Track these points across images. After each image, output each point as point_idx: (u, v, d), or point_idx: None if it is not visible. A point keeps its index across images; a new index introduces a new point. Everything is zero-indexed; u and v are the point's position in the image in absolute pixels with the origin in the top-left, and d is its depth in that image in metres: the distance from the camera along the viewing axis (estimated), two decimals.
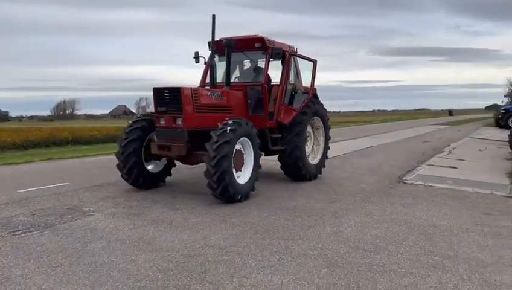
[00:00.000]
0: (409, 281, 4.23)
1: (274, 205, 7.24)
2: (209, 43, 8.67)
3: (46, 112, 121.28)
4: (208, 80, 8.93)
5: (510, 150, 15.23)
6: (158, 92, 7.59)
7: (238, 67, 9.57)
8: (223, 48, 8.55)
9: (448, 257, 4.93)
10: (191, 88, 7.63)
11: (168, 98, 7.50)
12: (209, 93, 8.02)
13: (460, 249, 5.23)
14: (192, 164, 8.52)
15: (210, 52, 8.57)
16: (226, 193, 7.07)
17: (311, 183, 9.34)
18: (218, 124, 7.33)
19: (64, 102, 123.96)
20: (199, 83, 9.42)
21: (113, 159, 13.49)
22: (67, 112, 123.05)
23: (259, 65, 9.25)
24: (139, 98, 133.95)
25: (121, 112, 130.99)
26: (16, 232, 5.59)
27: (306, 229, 5.94)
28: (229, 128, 7.19)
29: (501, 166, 12.64)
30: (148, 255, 4.79)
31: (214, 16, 8.27)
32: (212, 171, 6.92)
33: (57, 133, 24.63)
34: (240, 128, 7.32)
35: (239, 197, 7.27)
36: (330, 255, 4.92)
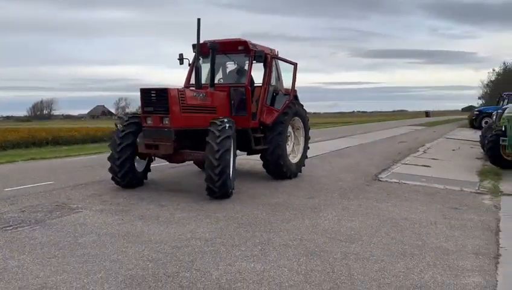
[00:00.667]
0: (379, 266, 4.63)
1: (256, 201, 7.58)
2: (193, 45, 8.97)
3: (22, 112, 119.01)
4: (192, 81, 9.29)
5: (482, 150, 15.90)
6: (145, 92, 7.83)
7: (221, 69, 9.88)
8: (207, 50, 8.86)
9: (417, 246, 5.36)
10: (177, 89, 7.91)
11: (155, 98, 7.74)
12: (194, 94, 8.32)
13: (428, 239, 5.67)
14: (177, 162, 8.83)
15: (195, 54, 8.85)
16: (224, 186, 7.42)
17: (291, 181, 9.71)
18: (214, 120, 7.68)
19: (41, 102, 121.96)
20: (183, 84, 9.69)
21: (95, 159, 13.80)
22: (45, 112, 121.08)
23: (241, 67, 9.59)
24: (118, 99, 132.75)
25: (100, 113, 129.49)
26: (8, 228, 5.79)
27: (286, 222, 6.30)
28: (227, 125, 7.58)
29: (472, 165, 13.28)
30: (138, 247, 5.07)
31: (199, 20, 8.52)
32: (216, 163, 7.23)
33: (36, 134, 24.51)
34: (233, 126, 7.79)
35: (230, 192, 7.66)
36: (308, 245, 5.29)
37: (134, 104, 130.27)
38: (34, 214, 6.48)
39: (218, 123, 7.62)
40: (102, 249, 5.00)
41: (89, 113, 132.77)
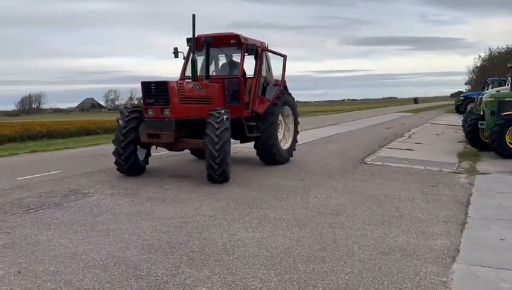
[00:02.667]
0: (361, 233, 5.38)
1: (252, 184, 8.29)
2: (188, 39, 9.58)
3: (10, 107, 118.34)
4: (187, 74, 9.91)
5: (464, 134, 16.73)
6: (146, 85, 8.39)
7: (214, 62, 10.44)
8: (201, 44, 9.41)
9: (394, 217, 6.12)
10: (176, 82, 8.52)
11: (155, 91, 8.30)
12: (192, 86, 8.89)
13: (405, 211, 6.44)
14: (177, 150, 9.50)
15: (191, 48, 9.36)
16: (224, 173, 8.07)
17: (283, 166, 10.43)
18: (212, 112, 8.23)
19: (29, 96, 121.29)
20: (179, 76, 10.27)
21: (95, 150, 14.41)
22: (33, 106, 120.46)
23: (233, 60, 10.15)
24: (107, 91, 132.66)
25: (89, 106, 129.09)
26: (30, 210, 6.44)
27: (280, 200, 7.03)
28: (225, 116, 8.16)
29: (453, 148, 14.10)
30: (150, 223, 5.77)
31: (194, 16, 9.09)
32: (216, 154, 7.82)
33: (31, 128, 24.97)
34: (229, 117, 8.36)
35: (228, 176, 8.30)
36: (300, 218, 6.03)
37: (124, 96, 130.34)
38: (51, 199, 7.13)
39: (217, 115, 8.15)
40: (119, 225, 5.69)
41: (78, 106, 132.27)
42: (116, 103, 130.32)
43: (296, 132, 11.36)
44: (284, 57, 10.88)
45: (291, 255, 4.62)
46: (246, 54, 9.82)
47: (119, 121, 8.70)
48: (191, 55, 9.29)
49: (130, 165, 8.67)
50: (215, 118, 8.11)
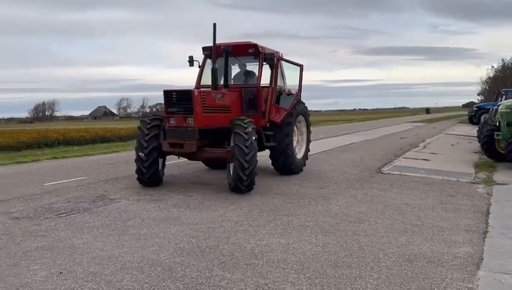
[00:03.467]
0: (385, 240, 5.51)
1: (273, 192, 8.46)
2: (203, 48, 9.82)
3: (23, 114, 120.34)
4: (203, 82, 9.99)
5: (479, 145, 16.73)
6: (169, 94, 8.33)
7: (225, 70, 10.32)
8: (218, 53, 9.31)
9: (416, 225, 6.24)
10: (199, 90, 8.59)
11: (178, 99, 8.25)
12: (213, 94, 8.86)
13: (426, 220, 6.55)
14: (198, 160, 9.58)
15: (212, 56, 9.27)
16: (251, 184, 8.11)
17: (302, 174, 10.58)
18: (238, 122, 8.18)
19: (43, 104, 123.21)
20: (195, 84, 10.18)
21: (114, 157, 14.70)
22: (47, 113, 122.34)
23: (248, 69, 10.19)
24: (120, 99, 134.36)
25: (102, 113, 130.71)
26: (61, 215, 6.68)
27: (302, 207, 7.19)
28: (252, 126, 8.17)
29: (469, 158, 14.13)
30: (179, 228, 5.97)
31: (215, 24, 9.05)
32: (246, 165, 7.80)
33: (48, 134, 25.42)
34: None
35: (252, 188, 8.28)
36: (323, 225, 6.18)
37: (136, 104, 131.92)
38: (80, 204, 7.37)
39: (244, 125, 8.07)
40: (149, 229, 5.89)
41: (91, 114, 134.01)
42: (128, 110, 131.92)
43: (308, 141, 11.43)
44: (301, 66, 10.90)
45: (318, 261, 4.78)
46: (264, 63, 9.78)
47: (143, 129, 8.58)
48: (212, 64, 9.22)
49: (152, 173, 8.59)
50: (243, 128, 8.05)
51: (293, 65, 10.93)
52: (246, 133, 7.97)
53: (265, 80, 10.08)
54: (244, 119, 8.36)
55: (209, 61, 9.83)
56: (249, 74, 10.12)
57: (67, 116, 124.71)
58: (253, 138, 8.06)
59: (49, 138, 24.50)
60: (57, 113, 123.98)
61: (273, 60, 9.77)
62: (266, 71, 10.09)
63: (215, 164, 10.90)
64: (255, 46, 9.73)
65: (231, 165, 8.29)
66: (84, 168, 11.82)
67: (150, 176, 8.61)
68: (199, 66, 10.10)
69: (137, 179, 8.78)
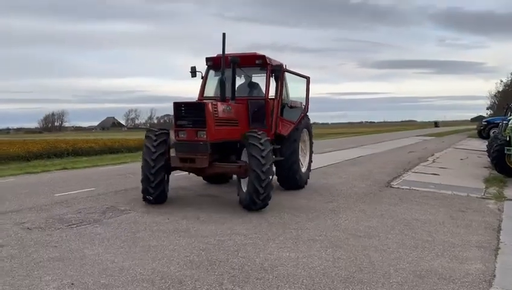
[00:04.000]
0: (395, 256, 5.48)
1: (281, 206, 8.44)
2: (207, 58, 9.53)
3: (33, 124, 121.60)
4: (206, 94, 9.69)
5: (489, 159, 16.61)
6: (179, 106, 8.02)
7: (232, 81, 9.65)
8: (220, 63, 8.86)
9: (427, 241, 6.20)
10: (211, 103, 8.13)
11: (189, 112, 7.93)
12: (223, 107, 8.52)
13: (436, 235, 6.50)
14: (209, 175, 9.15)
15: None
16: (268, 198, 7.76)
17: (310, 187, 10.56)
18: (252, 134, 7.88)
19: (53, 114, 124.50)
20: (197, 96, 9.74)
21: (122, 169, 14.78)
22: (56, 124, 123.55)
23: (252, 80, 9.85)
24: (128, 110, 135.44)
25: (110, 124, 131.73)
26: (72, 226, 6.73)
27: (311, 221, 7.18)
28: (266, 138, 7.90)
29: (479, 173, 14.02)
30: (188, 240, 5.98)
31: (224, 34, 8.55)
32: (263, 177, 7.46)
33: (57, 145, 25.64)
34: None
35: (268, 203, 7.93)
36: (333, 240, 6.16)
37: (144, 115, 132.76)
38: (90, 215, 7.42)
39: (259, 137, 7.79)
40: (159, 241, 5.91)
41: (99, 124, 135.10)
42: (136, 122, 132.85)
43: (311, 152, 11.20)
44: (307, 78, 10.43)
45: (329, 276, 4.76)
46: (272, 74, 9.50)
47: (149, 146, 8.07)
48: (220, 75, 8.84)
49: (159, 193, 8.17)
50: (257, 139, 7.76)
51: (298, 77, 10.50)
52: (261, 144, 7.69)
53: (261, 93, 9.67)
54: (257, 131, 8.06)
55: (212, 72, 9.66)
56: (253, 85, 9.81)
57: (76, 127, 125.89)
58: (269, 148, 7.82)
59: (59, 149, 24.69)
60: (66, 124, 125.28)
61: (280, 71, 9.56)
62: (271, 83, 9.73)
63: (216, 178, 10.59)
64: (263, 57, 9.41)
65: (243, 181, 8.07)
66: (94, 179, 11.91)
67: (157, 196, 8.21)
68: (202, 77, 9.72)
69: (143, 199, 8.36)
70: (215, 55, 9.27)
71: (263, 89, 9.54)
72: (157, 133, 8.28)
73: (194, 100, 9.09)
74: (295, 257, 5.37)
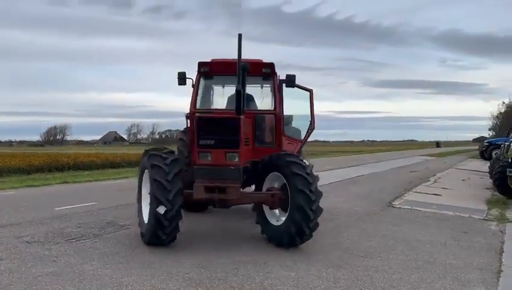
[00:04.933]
0: (397, 277, 5.43)
1: None
2: (200, 64, 7.90)
3: (35, 137, 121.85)
4: (198, 106, 8.01)
5: (491, 181, 16.56)
6: (205, 122, 6.54)
7: (212, 92, 8.64)
8: (217, 69, 7.94)
9: (429, 262, 6.14)
10: (241, 118, 6.61)
11: (218, 129, 6.41)
12: (245, 123, 6.95)
13: (439, 257, 6.44)
14: (231, 206, 7.10)
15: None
16: (308, 239, 6.64)
17: None
18: (291, 158, 6.58)
19: (55, 127, 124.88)
20: (190, 108, 7.96)
21: (124, 184, 14.73)
22: (58, 137, 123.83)
23: (248, 92, 7.81)
24: (130, 125, 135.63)
25: (112, 138, 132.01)
26: (72, 240, 6.69)
27: (311, 240, 7.11)
28: (310, 165, 6.66)
29: (481, 194, 13.96)
30: (187, 256, 5.94)
31: (240, 35, 6.85)
32: (312, 216, 6.34)
33: (58, 158, 25.66)
34: None
35: None
36: (333, 259, 6.10)
37: (146, 130, 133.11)
38: (90, 230, 7.39)
39: (303, 164, 6.51)
40: (159, 257, 5.86)
41: (101, 139, 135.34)
42: (138, 136, 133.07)
43: None
44: (310, 91, 8.67)
45: None
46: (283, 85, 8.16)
47: (158, 164, 6.25)
48: (237, 84, 6.71)
49: (173, 229, 6.26)
50: (302, 168, 6.45)
51: (301, 90, 8.69)
52: (308, 174, 6.39)
53: (263, 106, 8.35)
54: (295, 155, 6.89)
55: (204, 81, 8.16)
56: (250, 98, 8.22)
57: (78, 141, 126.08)
58: (317, 179, 6.60)
59: (60, 162, 24.70)
60: (68, 137, 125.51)
61: (294, 82, 8.06)
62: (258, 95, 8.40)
63: (194, 206, 8.51)
64: (271, 66, 7.99)
65: (271, 213, 6.90)
66: (95, 193, 11.89)
67: (170, 232, 6.23)
68: (193, 86, 8.03)
69: (147, 242, 6.36)
70: (209, 60, 8.02)
71: (257, 102, 8.32)
72: (166, 151, 6.67)
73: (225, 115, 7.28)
74: (295, 276, 5.32)
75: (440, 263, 6.10)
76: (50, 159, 25.25)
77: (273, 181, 6.87)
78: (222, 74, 8.14)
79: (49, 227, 7.51)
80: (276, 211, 6.88)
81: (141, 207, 6.83)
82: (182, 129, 8.87)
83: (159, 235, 6.18)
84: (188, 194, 6.47)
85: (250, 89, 8.16)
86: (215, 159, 6.41)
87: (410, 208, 10.72)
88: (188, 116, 8.09)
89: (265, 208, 6.94)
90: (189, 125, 8.09)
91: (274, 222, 6.81)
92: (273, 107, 8.07)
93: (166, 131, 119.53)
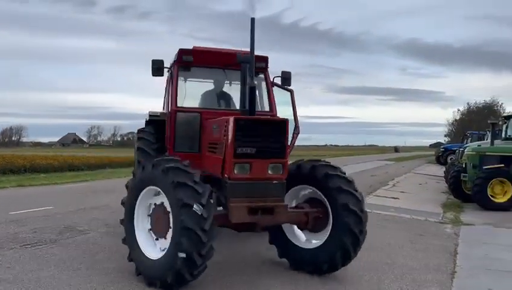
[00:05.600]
0: (355, 279, 5.55)
1: None
2: (182, 51, 6.51)
3: None
4: (181, 104, 6.51)
5: (446, 185, 17.22)
6: (245, 126, 5.08)
7: (184, 88, 6.75)
8: (200, 60, 6.57)
9: (387, 264, 6.32)
10: (288, 120, 5.47)
11: (263, 133, 5.13)
12: None
13: (396, 258, 6.64)
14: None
15: (250, 66, 5.52)
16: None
17: None
18: (333, 171, 5.66)
19: (10, 128, 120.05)
20: (171, 105, 6.49)
21: (83, 187, 14.34)
22: (13, 138, 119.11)
23: (224, 91, 7.09)
24: (90, 127, 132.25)
25: (71, 140, 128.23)
26: (27, 246, 6.45)
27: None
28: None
29: (437, 198, 14.50)
30: None
31: (253, 20, 5.54)
32: (361, 238, 5.60)
33: (14, 161, 24.66)
34: None
35: None
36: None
37: (107, 132, 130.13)
38: (46, 235, 7.14)
39: (349, 179, 5.70)
40: (120, 264, 5.72)
41: (59, 140, 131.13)
42: (99, 138, 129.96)
43: None
44: (291, 91, 7.27)
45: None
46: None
47: (186, 182, 4.73)
48: (249, 79, 5.40)
49: (205, 266, 4.82)
50: (350, 183, 5.63)
51: (280, 91, 7.34)
52: (356, 191, 5.60)
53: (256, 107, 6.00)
54: (333, 166, 5.86)
55: (186, 72, 6.68)
56: (224, 96, 7.08)
57: (35, 142, 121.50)
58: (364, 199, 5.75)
59: (15, 164, 23.72)
60: (25, 139, 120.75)
61: (290, 79, 7.06)
62: (236, 94, 6.73)
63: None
64: (266, 59, 6.84)
65: (295, 233, 5.92)
66: (52, 197, 11.52)
67: (201, 271, 4.82)
68: (170, 79, 6.77)
69: (162, 287, 4.78)
70: (191, 48, 6.65)
71: (236, 102, 6.87)
72: (186, 163, 5.04)
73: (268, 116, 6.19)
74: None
75: (398, 265, 6.29)
76: (5, 161, 24.18)
77: (295, 196, 5.91)
78: (205, 66, 6.71)
79: (3, 232, 7.21)
80: (300, 230, 5.84)
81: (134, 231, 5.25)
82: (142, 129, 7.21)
83: (185, 277, 4.69)
84: (221, 216, 5.05)
85: (236, 87, 6.76)
86: (256, 172, 5.09)
87: (369, 211, 10.87)
88: (157, 117, 6.85)
89: (286, 227, 5.87)
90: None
91: (302, 244, 5.79)
92: (269, 108, 6.70)
93: (128, 133, 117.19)
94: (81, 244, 6.67)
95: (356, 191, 5.56)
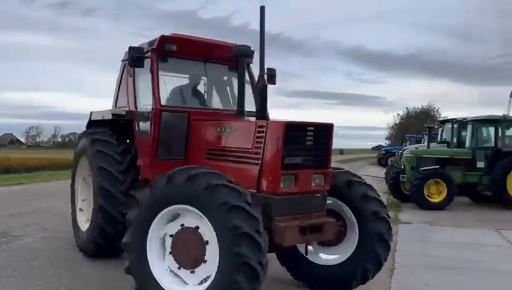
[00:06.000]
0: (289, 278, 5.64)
1: None
2: (164, 38, 5.58)
3: None
4: (164, 102, 5.56)
5: (386, 185, 17.92)
6: (295, 130, 4.51)
7: (165, 84, 5.78)
8: (182, 50, 5.64)
9: None
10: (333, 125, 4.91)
11: (307, 141, 4.60)
12: None
13: None
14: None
15: (260, 59, 4.99)
16: None
17: None
18: (356, 179, 5.21)
19: None
20: (127, 102, 5.99)
21: (21, 190, 13.55)
22: None
23: (196, 87, 6.24)
24: (28, 127, 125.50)
25: (8, 141, 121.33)
26: None
27: None
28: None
29: None
30: (92, 269, 5.61)
31: (263, 8, 4.96)
32: (390, 247, 5.23)
33: None
34: None
35: None
36: None
37: (46, 132, 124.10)
38: None
39: (371, 186, 5.31)
40: (58, 269, 5.49)
41: None
42: (38, 139, 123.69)
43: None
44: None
45: None
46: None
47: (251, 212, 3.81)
48: (260, 73, 4.94)
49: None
50: (374, 190, 5.25)
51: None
52: (380, 196, 5.27)
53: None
54: (351, 172, 5.41)
55: (164, 64, 5.67)
56: (197, 93, 6.23)
57: None
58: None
59: None
60: None
61: (275, 77, 6.40)
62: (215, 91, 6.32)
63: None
64: (252, 52, 5.80)
65: (319, 252, 5.23)
66: None
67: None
68: (127, 73, 6.08)
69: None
70: (171, 35, 5.73)
71: (227, 101, 6.27)
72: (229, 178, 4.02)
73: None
74: None
75: None
76: None
77: None
78: (184, 58, 5.83)
79: None
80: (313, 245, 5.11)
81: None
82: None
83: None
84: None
85: (215, 83, 6.27)
86: (302, 185, 4.50)
87: None
88: (141, 116, 5.78)
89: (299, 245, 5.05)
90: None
91: (320, 261, 5.18)
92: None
93: (70, 134, 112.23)
94: (16, 249, 6.32)
95: (380, 196, 5.21)
